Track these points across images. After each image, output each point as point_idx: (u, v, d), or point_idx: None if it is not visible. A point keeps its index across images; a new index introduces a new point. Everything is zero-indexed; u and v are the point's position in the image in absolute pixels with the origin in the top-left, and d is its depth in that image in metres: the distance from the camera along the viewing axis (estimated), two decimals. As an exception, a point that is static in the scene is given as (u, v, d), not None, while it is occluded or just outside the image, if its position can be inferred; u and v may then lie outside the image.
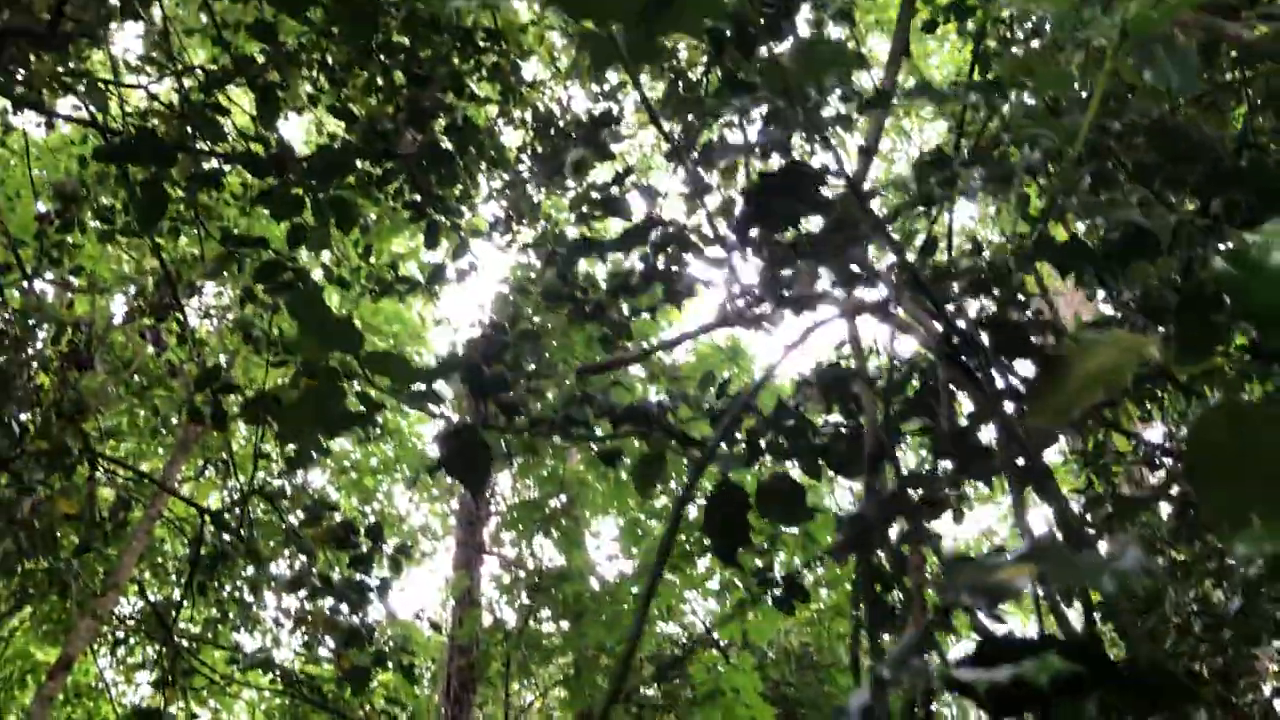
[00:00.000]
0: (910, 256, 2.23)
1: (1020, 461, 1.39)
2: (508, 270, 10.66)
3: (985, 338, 1.59)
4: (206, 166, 4.25)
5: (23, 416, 6.89)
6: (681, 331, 4.02)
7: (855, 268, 1.36)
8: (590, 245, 2.62)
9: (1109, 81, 1.81)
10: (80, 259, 7.17)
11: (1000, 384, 1.63)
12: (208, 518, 6.30)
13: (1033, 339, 1.60)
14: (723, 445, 2.54)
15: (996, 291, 1.76)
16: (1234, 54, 4.27)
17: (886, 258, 1.45)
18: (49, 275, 8.05)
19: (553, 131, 8.61)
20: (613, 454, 2.27)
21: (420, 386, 2.37)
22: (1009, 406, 1.61)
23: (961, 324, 1.55)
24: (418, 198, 6.35)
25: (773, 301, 1.55)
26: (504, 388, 2.07)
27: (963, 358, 1.62)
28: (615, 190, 6.87)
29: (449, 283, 6.81)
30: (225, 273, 5.12)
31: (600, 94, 8.77)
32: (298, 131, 11.64)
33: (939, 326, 1.59)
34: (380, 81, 6.15)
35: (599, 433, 2.20)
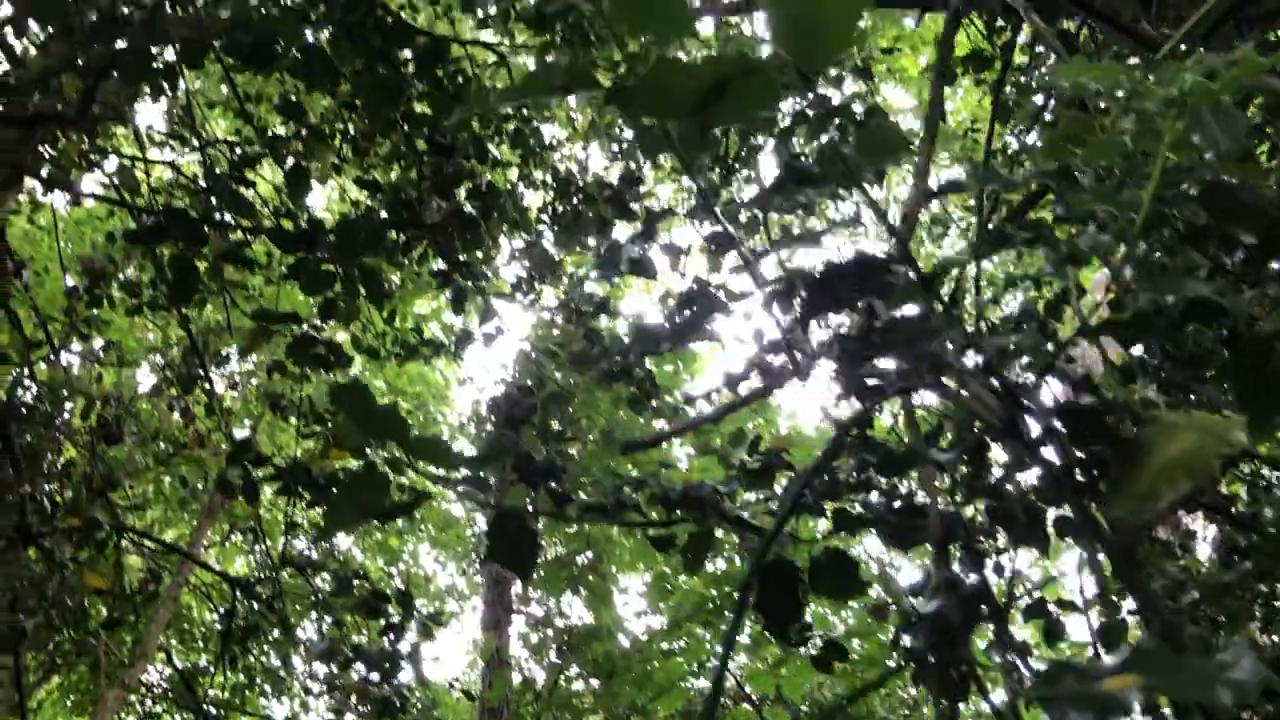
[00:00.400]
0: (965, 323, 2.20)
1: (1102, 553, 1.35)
2: (530, 328, 10.69)
3: (1058, 421, 1.55)
4: (235, 238, 4.27)
5: (48, 486, 6.90)
6: (727, 402, 3.97)
7: (925, 356, 1.33)
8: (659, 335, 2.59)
9: (1166, 151, 1.79)
10: (108, 332, 7.21)
11: (1058, 466, 1.59)
12: (239, 590, 6.26)
13: (1109, 422, 1.56)
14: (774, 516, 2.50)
15: (1063, 367, 1.72)
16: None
17: (946, 334, 1.42)
18: (75, 347, 8.11)
19: (573, 191, 8.64)
20: (667, 541, 2.23)
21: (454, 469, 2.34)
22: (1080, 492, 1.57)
23: (1028, 403, 1.51)
24: (442, 264, 6.38)
25: (852, 393, 1.52)
26: (556, 478, 2.04)
27: (1025, 438, 1.59)
28: (638, 248, 6.87)
29: (475, 345, 6.81)
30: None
31: (619, 153, 8.83)
32: (319, 197, 11.75)
33: (1004, 407, 1.56)
34: (403, 148, 6.21)
35: (652, 516, 2.16)
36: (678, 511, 2.11)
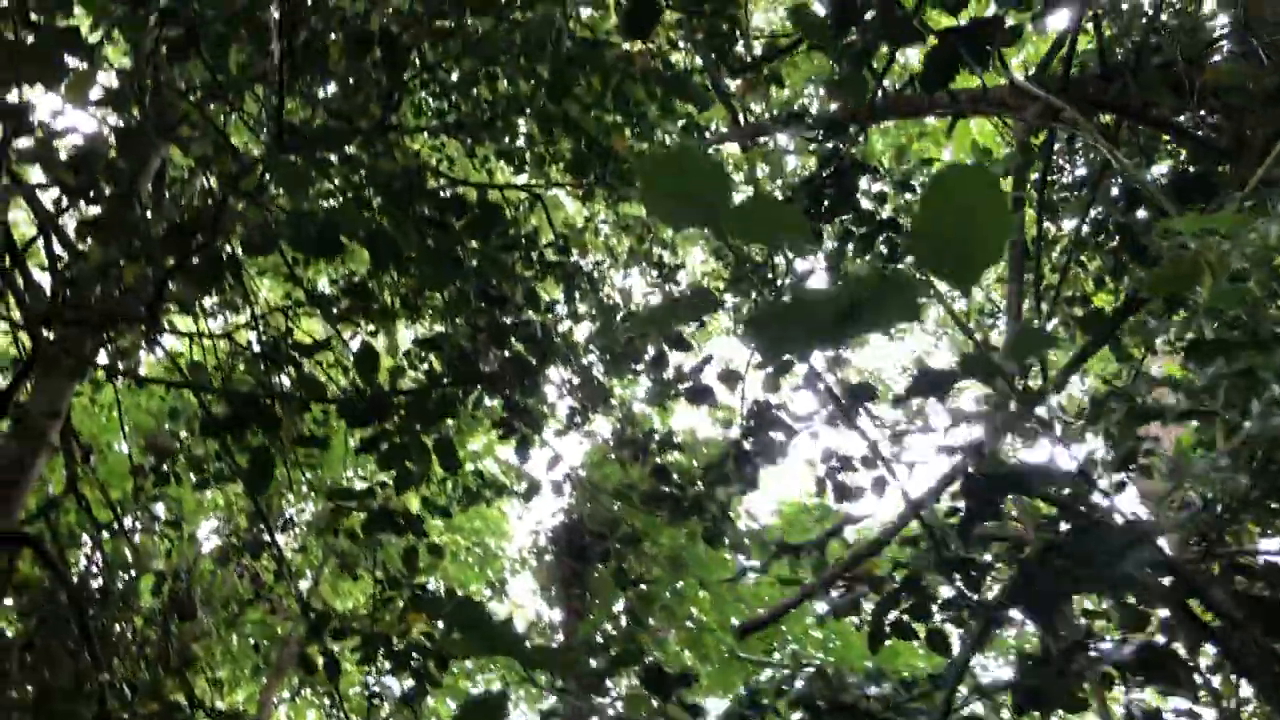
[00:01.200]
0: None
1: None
2: (584, 455, 10.64)
3: (1225, 602, 1.47)
4: (307, 417, 4.28)
5: (124, 667, 6.85)
6: (828, 528, 3.89)
7: (1122, 580, 1.27)
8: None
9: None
10: (175, 509, 7.24)
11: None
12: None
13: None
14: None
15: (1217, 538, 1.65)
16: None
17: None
18: (137, 521, 8.14)
19: (618, 319, 8.67)
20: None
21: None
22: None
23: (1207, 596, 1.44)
24: (494, 405, 6.39)
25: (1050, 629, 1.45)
26: (688, 684, 1.96)
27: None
28: (689, 373, 6.85)
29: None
30: (336, 526, 5.13)
31: (660, 277, 8.89)
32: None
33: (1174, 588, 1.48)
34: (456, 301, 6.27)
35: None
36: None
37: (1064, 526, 1.45)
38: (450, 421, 5.07)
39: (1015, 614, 1.79)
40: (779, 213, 1.46)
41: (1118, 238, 5.62)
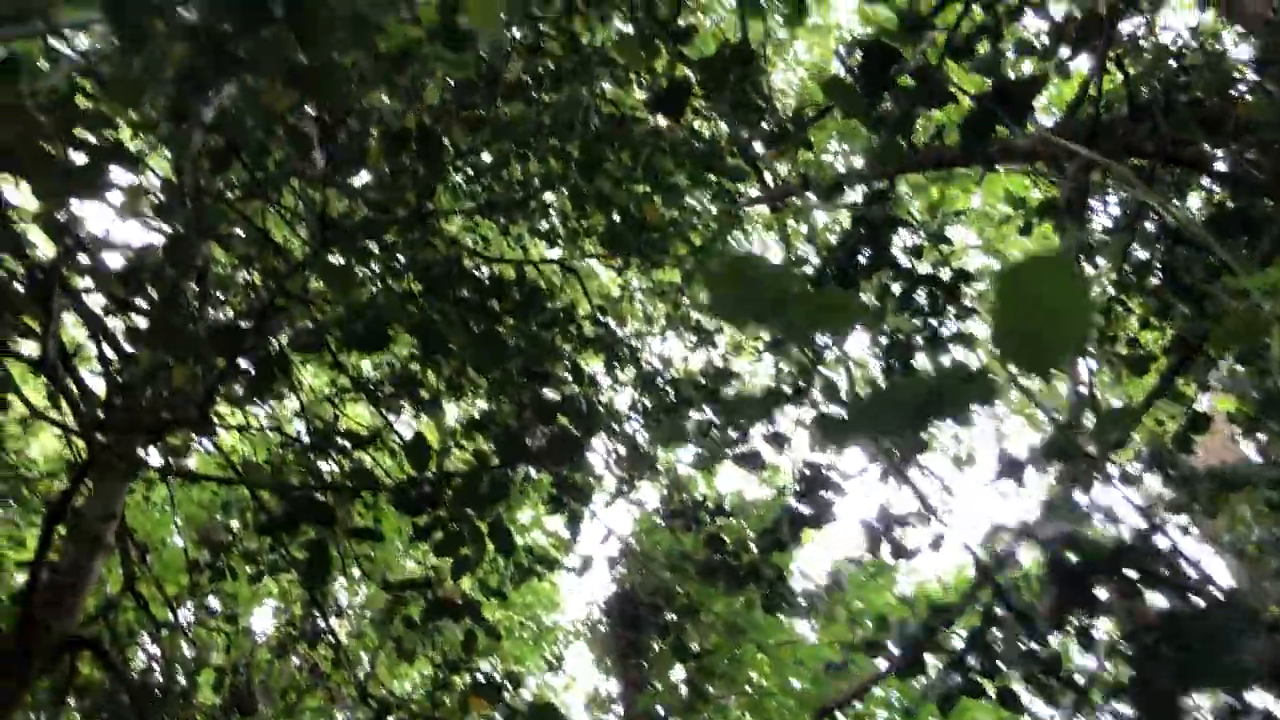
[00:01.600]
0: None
1: None
2: (633, 523, 10.58)
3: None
4: (357, 511, 4.28)
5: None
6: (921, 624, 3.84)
7: (1236, 673, 1.23)
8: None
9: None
10: (230, 603, 7.26)
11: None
12: None
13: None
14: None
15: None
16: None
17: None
18: (190, 613, 8.17)
19: (659, 384, 8.66)
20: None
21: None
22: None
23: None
24: (546, 483, 6.38)
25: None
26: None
27: None
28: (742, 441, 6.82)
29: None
30: (394, 614, 5.12)
31: (699, 341, 8.89)
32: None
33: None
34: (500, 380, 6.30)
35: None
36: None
37: (1161, 601, 1.41)
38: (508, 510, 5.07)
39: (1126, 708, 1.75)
40: (843, 303, 1.46)
41: (1160, 277, 5.57)
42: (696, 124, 7.45)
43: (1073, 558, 1.38)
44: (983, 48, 3.10)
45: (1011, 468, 1.37)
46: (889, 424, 1.31)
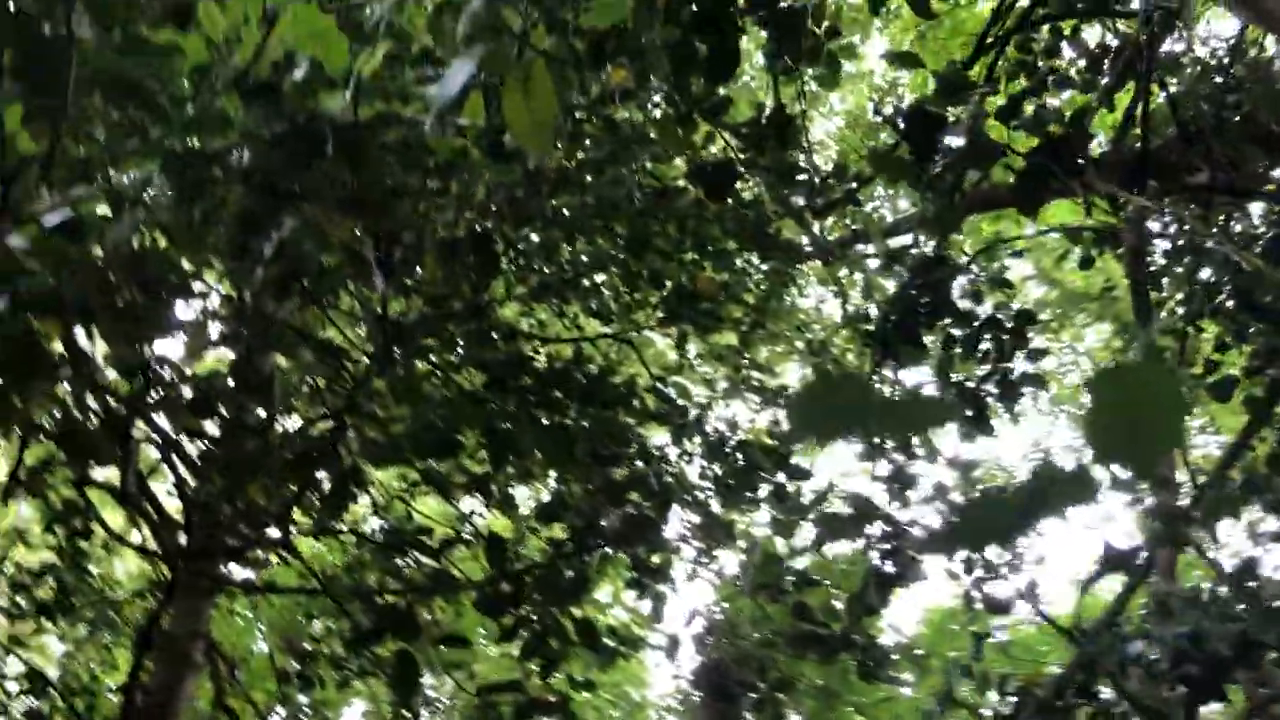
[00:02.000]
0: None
1: None
2: (715, 591, 10.42)
3: None
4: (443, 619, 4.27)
5: None
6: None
7: None
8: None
9: None
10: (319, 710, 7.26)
11: None
12: None
13: None
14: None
15: None
16: None
17: None
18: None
19: (727, 450, 8.58)
20: None
21: None
22: None
23: None
24: (623, 563, 6.33)
25: None
26: None
27: None
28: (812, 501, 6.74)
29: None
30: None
31: (763, 402, 8.84)
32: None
33: None
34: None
35: None
36: None
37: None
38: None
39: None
40: (926, 406, 1.42)
41: (1232, 299, 5.44)
42: (739, 187, 7.47)
43: (1197, 654, 1.32)
44: (1029, 108, 3.08)
45: (1116, 562, 1.31)
46: (992, 533, 1.27)
